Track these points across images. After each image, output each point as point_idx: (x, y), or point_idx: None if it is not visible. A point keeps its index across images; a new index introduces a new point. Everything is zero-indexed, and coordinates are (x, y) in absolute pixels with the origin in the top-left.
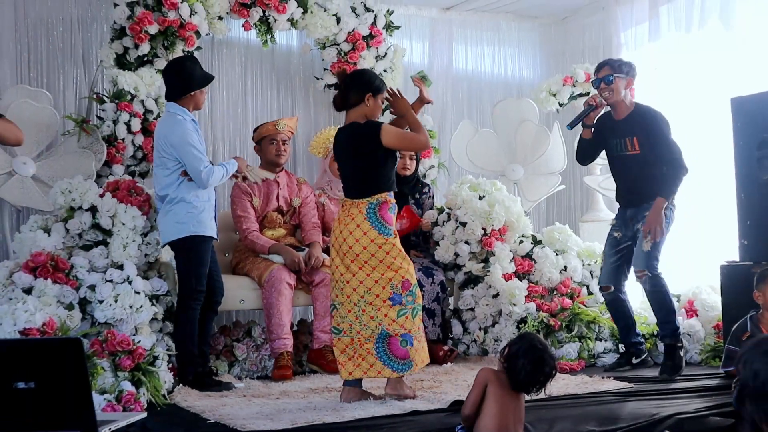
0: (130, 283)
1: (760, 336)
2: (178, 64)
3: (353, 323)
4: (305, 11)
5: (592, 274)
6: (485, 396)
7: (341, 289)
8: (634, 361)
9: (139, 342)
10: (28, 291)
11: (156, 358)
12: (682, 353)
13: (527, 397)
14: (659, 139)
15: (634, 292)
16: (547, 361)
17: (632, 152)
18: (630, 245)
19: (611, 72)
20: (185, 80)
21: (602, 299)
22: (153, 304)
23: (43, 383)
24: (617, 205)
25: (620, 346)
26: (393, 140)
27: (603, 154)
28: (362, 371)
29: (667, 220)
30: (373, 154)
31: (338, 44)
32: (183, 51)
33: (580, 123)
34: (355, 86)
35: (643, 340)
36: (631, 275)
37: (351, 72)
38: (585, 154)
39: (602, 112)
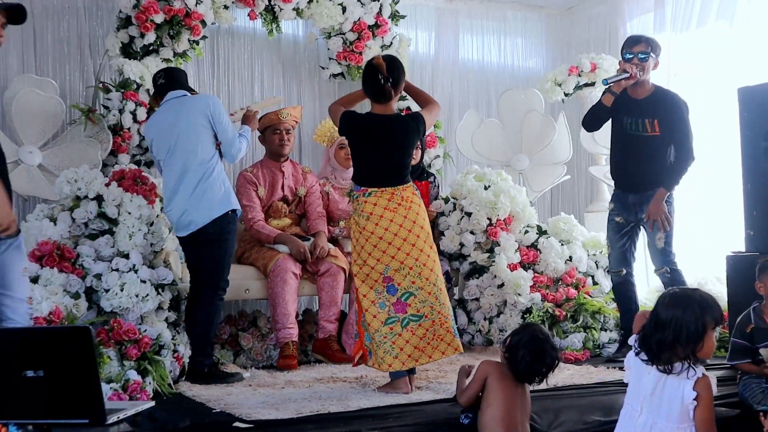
0: (135, 272)
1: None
2: (184, 72)
3: (434, 304)
4: (311, 0)
5: (597, 264)
6: (487, 388)
7: (419, 273)
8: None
9: (145, 331)
10: (34, 280)
11: (161, 347)
12: None
13: (532, 388)
14: (679, 124)
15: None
16: (548, 352)
17: (651, 134)
18: (634, 226)
19: (647, 49)
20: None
21: (609, 285)
22: (159, 293)
23: (52, 372)
24: None
25: (620, 332)
26: (431, 120)
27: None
28: (441, 352)
29: (670, 210)
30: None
31: (344, 34)
32: (189, 40)
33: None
34: (399, 76)
35: None
36: (640, 258)
37: (390, 60)
38: (595, 120)
39: (631, 83)
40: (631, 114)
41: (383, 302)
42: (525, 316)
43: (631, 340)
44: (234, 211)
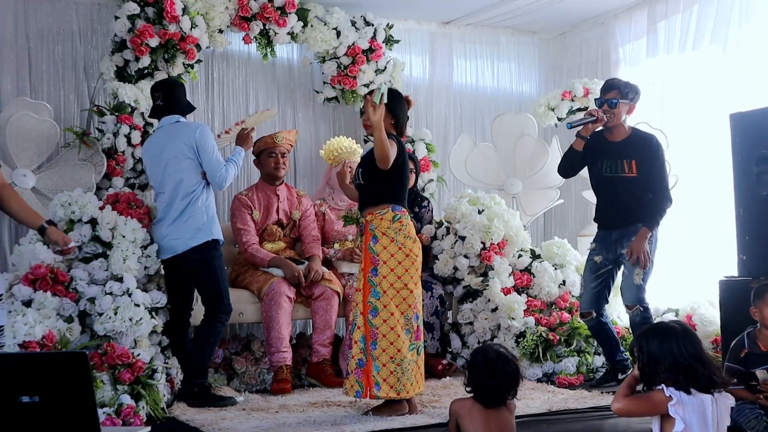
0: (129, 295)
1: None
2: (183, 86)
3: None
4: (305, 25)
5: None
6: (463, 427)
7: (415, 304)
8: (620, 376)
9: (138, 355)
10: (27, 304)
11: (155, 371)
12: None
13: (526, 412)
14: (654, 166)
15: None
16: (501, 369)
17: (629, 174)
18: (611, 269)
19: (618, 96)
20: (187, 102)
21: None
22: (152, 317)
23: (48, 397)
24: None
25: (606, 364)
26: None
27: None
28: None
29: (652, 249)
30: None
31: (338, 58)
32: (183, 64)
33: (576, 131)
34: None
35: (628, 356)
36: (614, 301)
37: None
38: (570, 167)
39: (599, 128)
40: (608, 157)
41: (408, 329)
42: (519, 339)
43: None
44: (215, 240)
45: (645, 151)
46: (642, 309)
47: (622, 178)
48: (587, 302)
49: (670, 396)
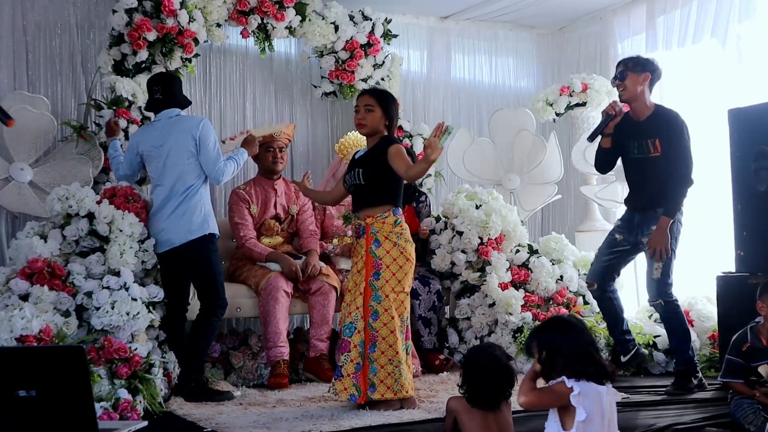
0: (127, 290)
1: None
2: (180, 80)
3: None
4: (303, 19)
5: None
6: (460, 425)
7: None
8: (623, 359)
9: (135, 349)
10: (24, 298)
11: (152, 365)
12: (695, 381)
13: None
14: (674, 144)
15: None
16: (496, 375)
17: (654, 154)
18: (629, 250)
19: (624, 68)
20: (184, 96)
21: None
22: (149, 311)
23: (45, 391)
24: (614, 215)
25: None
26: None
27: None
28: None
29: (674, 237)
30: None
31: (336, 52)
32: (181, 58)
33: (600, 133)
34: None
35: (632, 336)
36: (630, 277)
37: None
38: (604, 163)
39: (619, 119)
40: (635, 137)
41: (402, 330)
42: (516, 335)
43: None
44: (212, 234)
45: (668, 128)
46: (664, 303)
47: (649, 159)
48: (593, 273)
49: (571, 387)
